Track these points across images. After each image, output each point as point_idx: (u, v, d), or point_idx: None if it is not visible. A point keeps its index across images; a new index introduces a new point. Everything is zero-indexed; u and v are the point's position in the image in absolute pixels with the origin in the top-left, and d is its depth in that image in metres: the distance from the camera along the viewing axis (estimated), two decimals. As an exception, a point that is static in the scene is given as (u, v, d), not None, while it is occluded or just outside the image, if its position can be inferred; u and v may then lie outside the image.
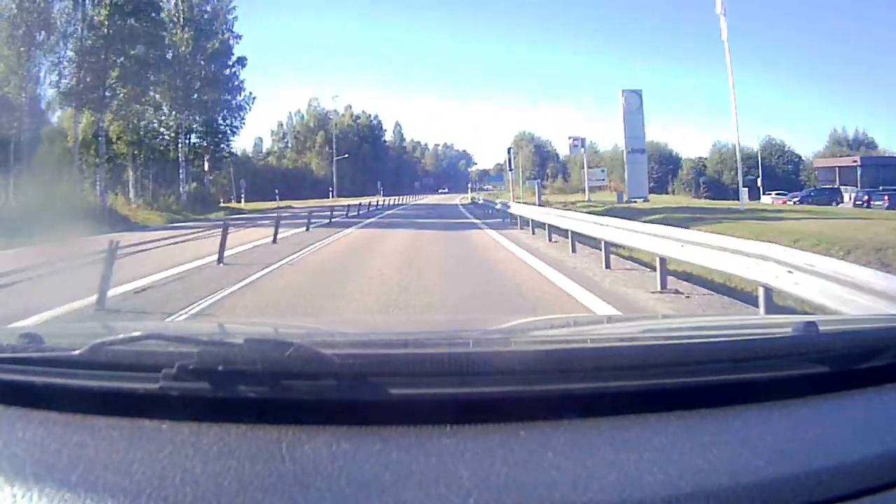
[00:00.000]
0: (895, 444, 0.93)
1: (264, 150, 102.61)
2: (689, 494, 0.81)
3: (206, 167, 45.99)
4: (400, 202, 52.25)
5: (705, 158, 79.62)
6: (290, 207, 43.46)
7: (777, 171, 68.67)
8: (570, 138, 54.43)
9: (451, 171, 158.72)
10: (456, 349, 1.34)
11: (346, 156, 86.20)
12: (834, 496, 0.83)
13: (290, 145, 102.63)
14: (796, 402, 1.07)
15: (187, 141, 42.60)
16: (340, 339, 1.58)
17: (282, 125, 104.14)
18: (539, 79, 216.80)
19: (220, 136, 45.38)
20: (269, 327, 2.04)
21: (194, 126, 43.37)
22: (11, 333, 1.32)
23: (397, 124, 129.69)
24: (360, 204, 33.28)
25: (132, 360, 1.09)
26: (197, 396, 1.01)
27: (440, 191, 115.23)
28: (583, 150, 53.28)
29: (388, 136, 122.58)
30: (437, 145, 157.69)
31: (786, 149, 72.36)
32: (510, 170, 50.08)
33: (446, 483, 0.83)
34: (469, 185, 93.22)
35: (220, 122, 45.07)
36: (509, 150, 48.81)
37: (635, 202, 42.07)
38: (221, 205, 47.71)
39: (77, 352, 1.08)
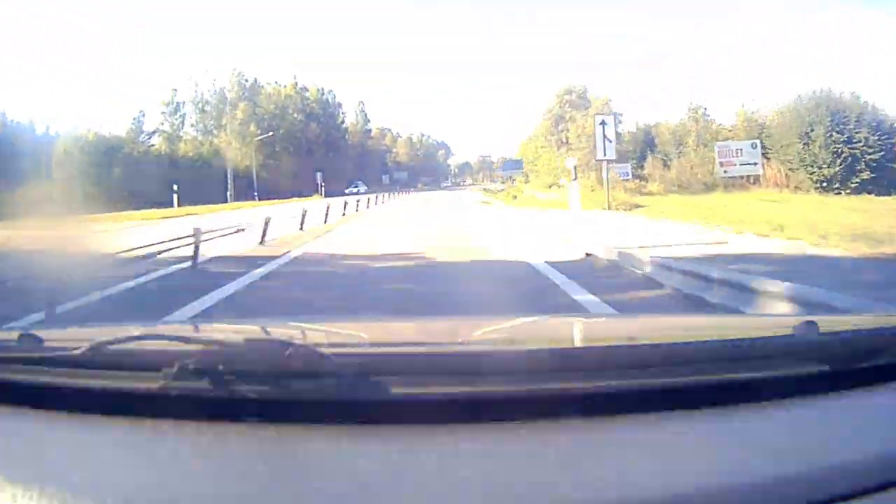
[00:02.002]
0: (895, 444, 0.93)
1: (146, 130, 57.36)
2: (689, 494, 0.81)
3: None
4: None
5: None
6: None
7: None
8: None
9: (428, 162, 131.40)
10: (456, 349, 1.37)
11: (270, 133, 54.49)
12: (834, 496, 0.83)
13: (193, 123, 62.14)
14: (796, 402, 1.06)
15: None
16: (340, 339, 1.55)
17: (176, 92, 60.65)
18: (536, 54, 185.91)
19: None
20: (269, 327, 1.90)
21: None
22: (11, 333, 1.33)
23: (361, 103, 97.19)
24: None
25: (132, 360, 1.10)
26: (197, 396, 1.01)
27: (349, 190, 56.49)
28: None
29: (351, 120, 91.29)
30: (411, 134, 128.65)
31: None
32: (608, 139, 21.51)
33: (446, 483, 0.84)
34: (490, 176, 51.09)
35: None
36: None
37: None
38: None
39: (77, 352, 1.08)
